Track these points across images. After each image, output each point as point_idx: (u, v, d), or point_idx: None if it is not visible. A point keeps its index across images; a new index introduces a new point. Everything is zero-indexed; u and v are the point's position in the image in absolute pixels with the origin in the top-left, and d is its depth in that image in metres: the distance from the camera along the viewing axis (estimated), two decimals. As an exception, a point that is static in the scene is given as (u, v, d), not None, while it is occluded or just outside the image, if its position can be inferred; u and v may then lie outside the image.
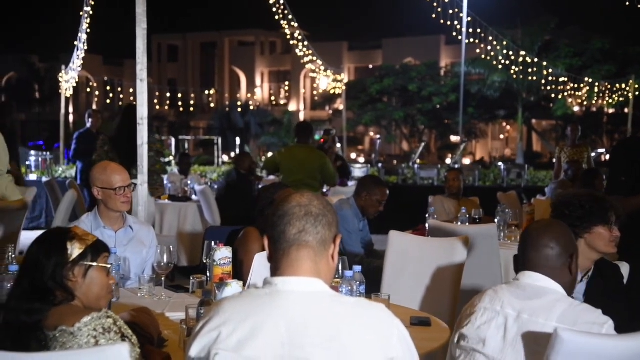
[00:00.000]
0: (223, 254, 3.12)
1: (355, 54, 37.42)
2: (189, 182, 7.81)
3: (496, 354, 2.19)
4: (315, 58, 14.95)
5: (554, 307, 2.17)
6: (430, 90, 28.21)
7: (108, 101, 16.67)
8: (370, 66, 35.41)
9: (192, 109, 19.68)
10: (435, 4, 12.49)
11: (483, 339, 2.22)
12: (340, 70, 18.25)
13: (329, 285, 1.82)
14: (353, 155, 19.24)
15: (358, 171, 12.19)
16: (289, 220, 1.79)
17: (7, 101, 10.79)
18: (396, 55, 33.35)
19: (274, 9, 12.74)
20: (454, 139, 27.71)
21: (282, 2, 12.70)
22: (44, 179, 9.55)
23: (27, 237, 6.15)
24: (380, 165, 12.77)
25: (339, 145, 11.30)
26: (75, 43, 12.81)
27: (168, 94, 17.63)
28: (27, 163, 10.80)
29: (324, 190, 7.97)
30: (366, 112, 25.83)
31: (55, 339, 1.90)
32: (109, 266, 2.12)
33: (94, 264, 2.06)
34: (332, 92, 16.20)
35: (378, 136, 15.85)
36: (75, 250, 2.04)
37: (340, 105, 19.08)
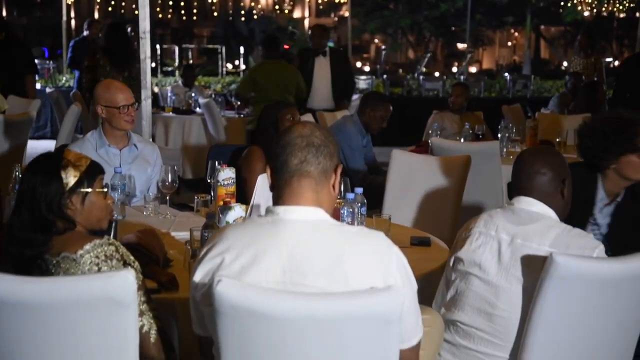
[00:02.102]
0: (227, 174, 3.15)
1: (362, -44, 36.19)
2: (193, 94, 7.76)
3: (491, 277, 2.24)
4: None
5: (548, 232, 2.21)
6: (438, -5, 27.49)
7: (110, 8, 16.41)
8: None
9: (195, 17, 19.35)
10: None
11: (478, 262, 2.27)
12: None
13: (329, 214, 1.85)
14: (358, 64, 18.99)
15: (362, 83, 12.04)
16: (290, 151, 1.81)
17: None
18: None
19: None
20: (461, 46, 27.27)
21: None
22: (48, 89, 9.50)
23: (33, 147, 6.22)
24: (385, 76, 12.62)
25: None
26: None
27: (170, 2, 17.31)
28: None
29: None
30: (372, 19, 25.34)
31: (58, 265, 1.93)
32: (105, 190, 2.13)
33: (91, 189, 2.06)
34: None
35: (383, 47, 15.57)
36: (70, 178, 2.02)
37: (345, 12, 18.63)
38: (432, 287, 2.49)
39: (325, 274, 1.72)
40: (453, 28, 28.55)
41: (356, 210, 2.73)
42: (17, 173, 2.90)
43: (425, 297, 2.34)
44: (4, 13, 17.55)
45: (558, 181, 2.31)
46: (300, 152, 1.81)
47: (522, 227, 2.23)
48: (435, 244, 2.87)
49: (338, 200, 2.88)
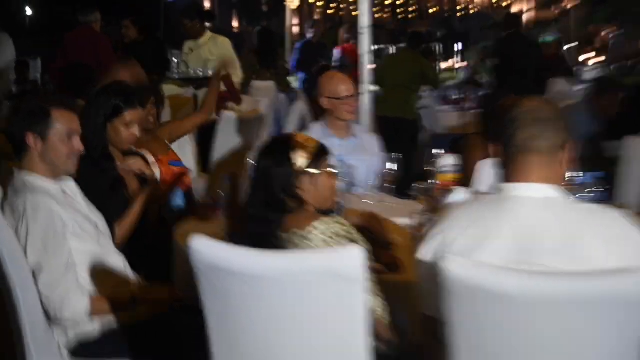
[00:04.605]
0: (447, 161, 3.13)
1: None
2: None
3: None
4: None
5: None
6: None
7: (329, 11, 17.08)
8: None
9: (410, 15, 19.51)
10: None
11: None
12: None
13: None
14: (581, 58, 17.91)
15: (587, 74, 11.34)
16: (517, 126, 1.75)
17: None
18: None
19: None
20: None
21: None
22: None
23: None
24: (613, 66, 11.76)
25: (566, 47, 10.65)
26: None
27: (387, 2, 17.66)
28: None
29: None
30: (599, 8, 23.71)
31: (290, 241, 2.04)
32: (333, 170, 2.21)
33: (319, 170, 2.15)
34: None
35: (611, 34, 14.51)
36: (300, 159, 2.11)
37: (568, 4, 17.64)
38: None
39: (560, 253, 1.64)
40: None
41: (586, 195, 2.56)
42: (249, 160, 3.10)
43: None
44: (236, 24, 18.95)
45: None
46: (527, 127, 1.74)
47: None
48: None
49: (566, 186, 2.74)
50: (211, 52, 5.65)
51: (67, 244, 2.29)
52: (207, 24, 5.95)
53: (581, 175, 2.66)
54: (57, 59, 7.12)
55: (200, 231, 1.96)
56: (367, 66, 4.88)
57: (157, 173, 3.23)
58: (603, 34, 13.89)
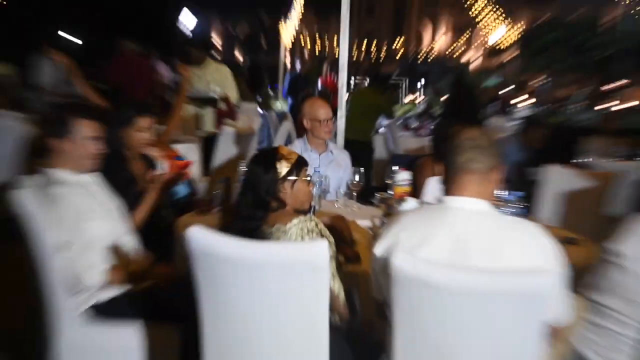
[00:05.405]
0: (403, 176, 3.16)
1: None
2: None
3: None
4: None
5: None
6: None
7: (317, 47, 17.30)
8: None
9: (382, 56, 19.77)
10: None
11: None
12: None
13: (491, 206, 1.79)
14: (516, 100, 18.19)
15: (519, 113, 11.51)
16: (459, 151, 1.78)
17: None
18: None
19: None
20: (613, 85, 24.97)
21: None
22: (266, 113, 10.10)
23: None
24: (540, 107, 11.95)
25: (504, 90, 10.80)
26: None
27: (363, 46, 17.96)
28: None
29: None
30: (535, 60, 24.04)
31: (272, 234, 2.05)
32: (309, 178, 2.23)
33: (298, 177, 2.17)
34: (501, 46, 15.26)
35: (541, 82, 14.70)
36: (283, 168, 2.13)
37: (507, 57, 17.89)
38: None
39: (486, 255, 1.67)
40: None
41: (512, 210, 2.60)
42: (241, 167, 3.10)
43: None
44: (241, 58, 18.95)
45: None
46: (467, 152, 1.78)
47: None
48: (583, 243, 2.66)
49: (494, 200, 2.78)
50: (213, 77, 5.65)
51: (92, 224, 2.29)
52: (213, 54, 6.00)
53: (507, 193, 2.70)
54: (111, 71, 6.48)
55: (197, 223, 1.96)
56: (344, 96, 4.92)
57: (164, 165, 3.23)
58: (534, 81, 14.12)
